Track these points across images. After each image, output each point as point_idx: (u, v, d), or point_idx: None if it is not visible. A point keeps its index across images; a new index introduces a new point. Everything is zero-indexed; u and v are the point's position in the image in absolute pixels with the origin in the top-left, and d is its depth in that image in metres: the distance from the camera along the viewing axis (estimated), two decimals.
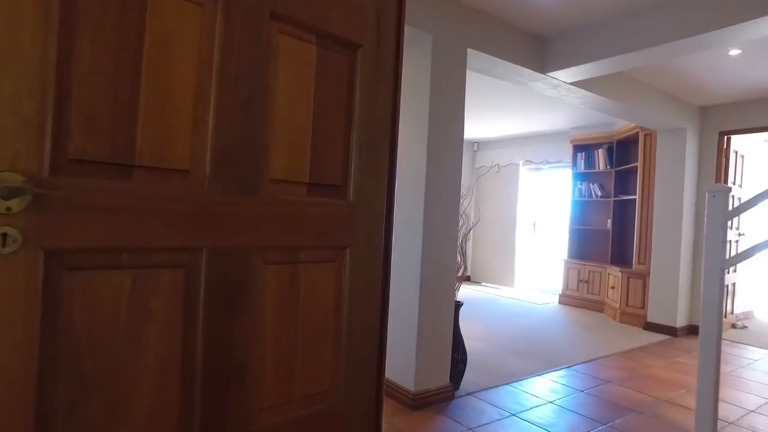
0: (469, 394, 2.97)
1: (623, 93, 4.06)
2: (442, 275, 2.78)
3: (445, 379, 2.85)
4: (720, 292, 1.63)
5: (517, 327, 4.89)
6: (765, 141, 6.21)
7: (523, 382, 3.23)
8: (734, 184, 5.09)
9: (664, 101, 4.50)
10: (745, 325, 5.48)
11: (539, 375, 3.40)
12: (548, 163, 7.18)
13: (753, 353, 4.27)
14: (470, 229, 3.37)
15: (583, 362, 3.76)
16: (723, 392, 3.24)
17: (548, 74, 3.37)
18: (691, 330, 4.92)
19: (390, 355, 2.98)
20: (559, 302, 6.40)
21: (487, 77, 4.23)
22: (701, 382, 1.61)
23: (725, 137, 4.86)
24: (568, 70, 3.31)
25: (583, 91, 3.75)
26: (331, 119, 1.11)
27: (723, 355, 4.19)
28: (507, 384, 3.18)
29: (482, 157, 8.25)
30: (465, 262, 3.32)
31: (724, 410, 2.89)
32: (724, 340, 4.77)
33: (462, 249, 3.09)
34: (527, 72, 3.33)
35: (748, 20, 2.49)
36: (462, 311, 3.39)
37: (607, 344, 4.33)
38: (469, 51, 2.93)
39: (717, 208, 1.59)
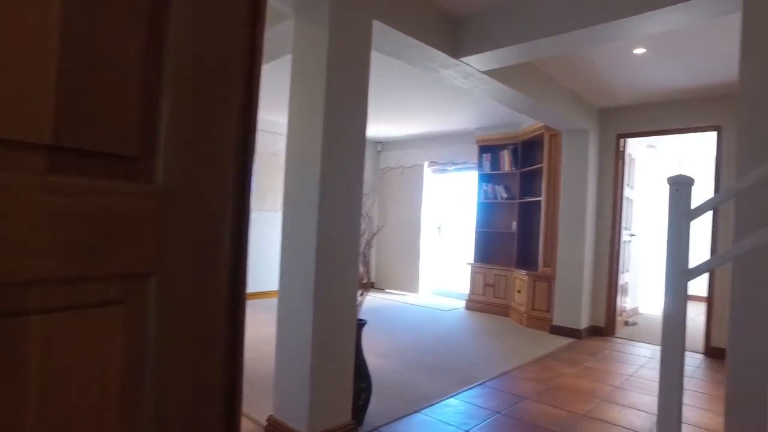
0: (376, 429, 2.50)
1: (534, 89, 3.88)
2: (342, 291, 2.29)
3: (346, 415, 2.36)
4: (683, 300, 1.31)
5: (424, 337, 4.55)
6: (648, 146, 6.54)
7: (436, 408, 2.84)
8: (628, 186, 5.20)
9: (570, 101, 4.43)
10: (635, 321, 5.66)
11: (452, 396, 3.04)
12: (454, 164, 7.02)
13: (647, 350, 4.31)
14: (374, 234, 2.93)
15: (496, 377, 3.48)
16: (635, 398, 3.12)
17: (461, 59, 3.03)
18: (593, 331, 4.93)
19: (277, 390, 2.43)
20: (466, 307, 6.22)
21: (392, 72, 3.87)
22: (663, 409, 1.28)
23: (621, 140, 4.94)
24: (481, 56, 3.00)
25: (494, 83, 3.48)
26: (112, 31, 0.56)
27: (622, 355, 4.17)
28: (418, 411, 2.76)
29: (386, 157, 7.92)
30: (368, 270, 2.87)
31: (638, 419, 2.73)
32: (618, 338, 4.83)
33: (365, 257, 2.62)
34: (440, 57, 2.97)
35: (651, 10, 2.33)
36: (366, 322, 2.93)
37: (517, 353, 4.13)
38: (377, 26, 2.48)
39: (680, 205, 1.27)
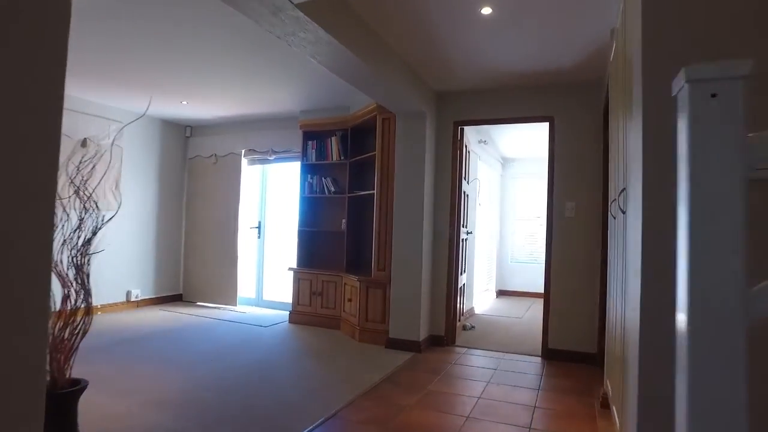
0: None
1: (365, 51, 3.08)
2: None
3: None
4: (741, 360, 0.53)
5: (234, 369, 3.43)
6: (480, 142, 6.40)
7: None
8: (464, 179, 4.81)
9: (407, 77, 3.77)
10: (473, 325, 5.35)
11: None
12: (275, 153, 5.97)
13: (489, 360, 3.89)
14: (95, 233, 1.75)
15: (322, 422, 2.57)
16: (491, 430, 2.51)
17: None
18: (433, 341, 4.38)
19: None
20: (290, 321, 5.23)
21: (194, 32, 2.72)
22: None
23: (459, 127, 4.50)
24: None
25: (317, 31, 2.57)
26: None
27: (465, 370, 3.65)
28: None
29: (197, 145, 6.50)
30: (85, 285, 1.70)
31: None
32: (458, 347, 4.36)
33: (80, 269, 1.47)
34: None
35: None
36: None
37: (349, 380, 3.29)
38: None
39: (725, 136, 0.48)
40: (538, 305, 7.09)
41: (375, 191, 4.51)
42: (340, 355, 3.99)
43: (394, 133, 4.36)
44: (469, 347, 4.36)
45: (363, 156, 4.86)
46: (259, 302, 6.17)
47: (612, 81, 2.77)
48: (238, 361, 3.69)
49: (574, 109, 4.04)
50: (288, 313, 5.34)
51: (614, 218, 2.39)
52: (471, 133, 5.66)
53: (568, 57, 3.54)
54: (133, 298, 5.77)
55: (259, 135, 6.04)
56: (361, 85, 3.61)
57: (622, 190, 1.92)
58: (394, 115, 4.35)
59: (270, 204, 6.37)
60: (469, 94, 4.39)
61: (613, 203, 2.39)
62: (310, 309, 5.15)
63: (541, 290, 7.64)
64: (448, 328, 4.41)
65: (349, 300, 4.72)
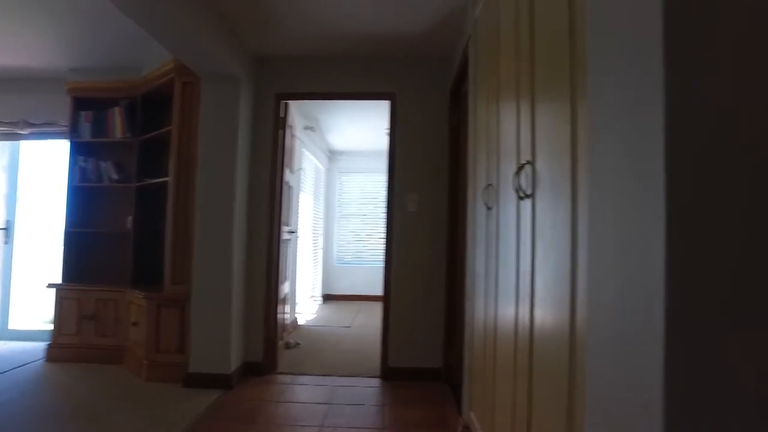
0: None
1: None
2: None
3: None
4: None
5: None
6: (305, 128, 5.66)
7: None
8: (288, 168, 4.00)
9: (219, 29, 2.81)
10: (298, 341, 4.56)
11: None
12: (30, 125, 4.35)
13: (321, 391, 3.15)
14: None
15: None
16: None
17: None
18: (248, 370, 3.46)
19: None
20: (49, 358, 3.78)
21: None
22: None
23: (283, 103, 3.67)
24: None
25: None
26: None
27: (293, 409, 2.86)
28: None
29: None
30: None
31: None
32: (282, 375, 3.54)
33: None
34: None
35: None
36: None
37: None
38: None
39: None
40: (367, 308, 6.65)
41: (170, 179, 3.41)
42: (116, 407, 2.82)
43: (198, 103, 3.33)
44: (294, 373, 3.56)
45: (156, 132, 3.68)
46: (2, 333, 4.44)
47: (481, 58, 2.26)
48: None
49: (419, 87, 3.54)
50: (46, 346, 3.85)
51: (489, 209, 1.84)
52: (297, 117, 4.88)
53: (414, 24, 3.00)
54: None
55: (5, 99, 4.34)
56: (153, 31, 2.54)
57: (520, 167, 1.33)
58: (198, 78, 3.32)
59: (24, 197, 4.66)
60: (298, 61, 3.60)
61: (488, 188, 1.85)
62: (79, 339, 3.77)
63: (370, 292, 7.41)
64: (268, 351, 3.54)
65: (134, 324, 3.52)
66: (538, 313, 1.21)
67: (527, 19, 1.37)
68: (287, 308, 4.42)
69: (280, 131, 3.64)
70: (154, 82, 3.64)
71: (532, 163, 1.27)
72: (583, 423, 0.88)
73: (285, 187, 3.80)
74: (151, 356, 3.32)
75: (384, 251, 3.53)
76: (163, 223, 3.56)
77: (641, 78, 0.66)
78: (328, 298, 7.45)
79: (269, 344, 3.55)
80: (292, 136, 4.19)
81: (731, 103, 0.60)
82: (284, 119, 3.70)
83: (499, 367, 1.64)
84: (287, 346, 4.32)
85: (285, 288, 4.09)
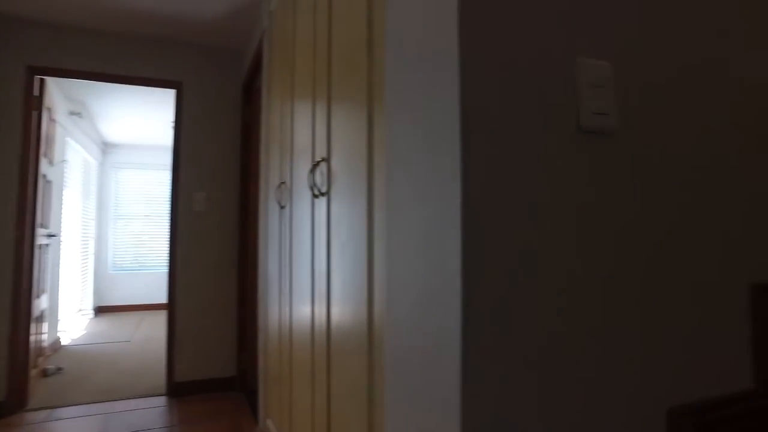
0: None
1: None
2: None
3: None
4: None
5: None
6: (71, 114, 4.78)
7: None
8: (46, 159, 3.31)
9: None
10: (59, 366, 3.82)
11: None
12: None
13: (92, 420, 2.67)
14: None
15: None
16: None
17: None
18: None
19: None
20: None
21: None
22: None
23: (37, 78, 3.01)
24: None
25: None
26: None
27: None
28: None
29: None
30: None
31: None
32: (37, 411, 2.92)
33: None
34: None
35: None
36: None
37: None
38: None
39: None
40: (152, 318, 5.97)
41: None
42: None
43: None
44: (53, 407, 2.94)
45: None
46: None
47: (276, 54, 2.18)
48: None
49: (210, 79, 3.29)
50: None
51: (282, 207, 1.79)
52: (59, 99, 4.09)
53: (204, 9, 2.77)
54: None
55: None
56: None
57: (316, 165, 1.32)
58: None
59: None
60: (61, 31, 2.99)
61: (281, 187, 1.79)
62: None
63: (155, 300, 6.65)
64: (15, 384, 2.86)
65: None
66: (336, 311, 1.21)
67: (326, 19, 1.36)
68: (45, 327, 3.64)
69: (34, 112, 2.97)
70: None
71: (327, 160, 1.27)
72: (384, 420, 0.90)
73: (41, 182, 3.12)
74: None
75: (168, 254, 3.19)
76: None
77: (437, 85, 0.69)
78: (101, 310, 6.44)
79: (17, 375, 2.86)
80: (52, 120, 3.47)
81: (510, 109, 0.68)
82: (40, 98, 3.04)
83: (296, 370, 1.61)
84: (45, 373, 3.58)
85: (42, 303, 3.36)
